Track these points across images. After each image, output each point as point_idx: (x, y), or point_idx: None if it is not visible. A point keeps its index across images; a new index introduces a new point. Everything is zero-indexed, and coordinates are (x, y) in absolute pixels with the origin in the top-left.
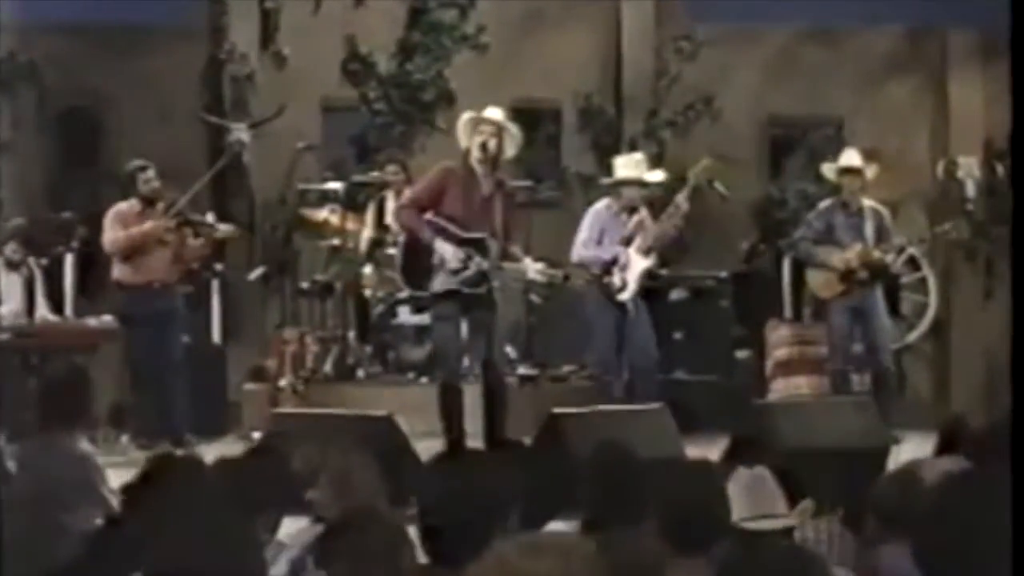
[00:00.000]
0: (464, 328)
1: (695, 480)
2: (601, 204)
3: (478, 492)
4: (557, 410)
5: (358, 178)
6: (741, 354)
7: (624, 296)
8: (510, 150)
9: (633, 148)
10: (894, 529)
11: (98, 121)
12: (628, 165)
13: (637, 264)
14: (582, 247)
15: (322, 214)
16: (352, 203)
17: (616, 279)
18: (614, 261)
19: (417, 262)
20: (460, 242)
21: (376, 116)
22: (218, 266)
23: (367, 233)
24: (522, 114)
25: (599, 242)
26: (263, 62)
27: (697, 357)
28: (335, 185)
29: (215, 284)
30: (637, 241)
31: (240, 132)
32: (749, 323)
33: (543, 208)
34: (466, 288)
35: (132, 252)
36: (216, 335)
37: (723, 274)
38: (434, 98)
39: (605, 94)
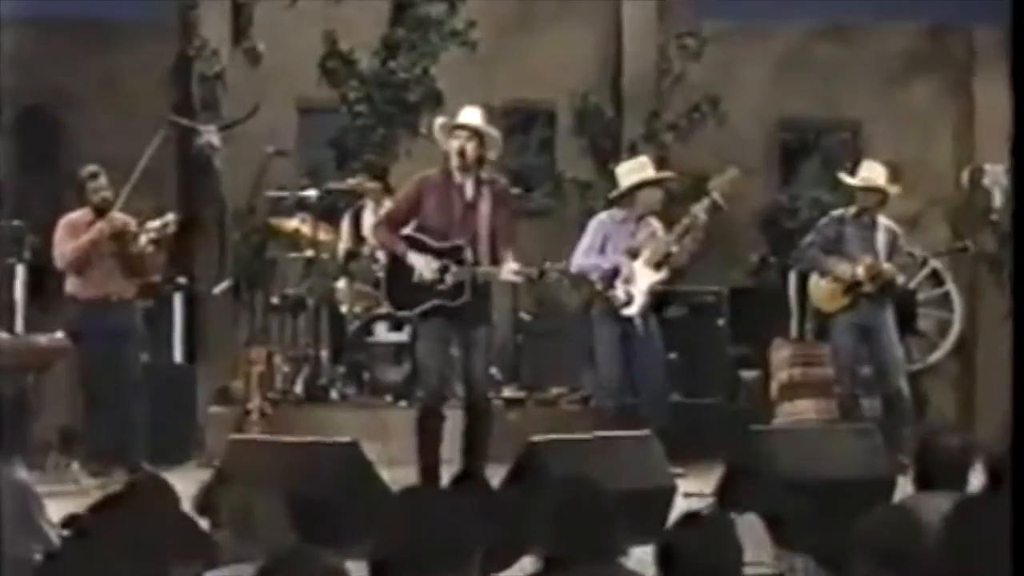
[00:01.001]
0: (454, 347)
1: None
2: (604, 214)
3: (439, 534)
4: (536, 438)
5: (332, 185)
6: (748, 375)
7: (630, 311)
8: (491, 153)
9: (633, 152)
10: (881, 571)
11: (58, 122)
12: (635, 169)
13: (645, 277)
14: (582, 255)
15: (292, 224)
16: (329, 212)
17: (620, 292)
18: (615, 272)
19: (401, 283)
20: (437, 253)
21: (357, 118)
22: (181, 279)
23: (343, 245)
24: (514, 115)
25: (601, 251)
26: (235, 59)
27: (695, 378)
28: (309, 193)
29: (177, 298)
30: (645, 253)
31: (210, 134)
32: (753, 342)
33: (535, 217)
34: (448, 302)
35: (83, 264)
36: (178, 353)
37: (723, 289)
38: (420, 99)
39: (603, 94)
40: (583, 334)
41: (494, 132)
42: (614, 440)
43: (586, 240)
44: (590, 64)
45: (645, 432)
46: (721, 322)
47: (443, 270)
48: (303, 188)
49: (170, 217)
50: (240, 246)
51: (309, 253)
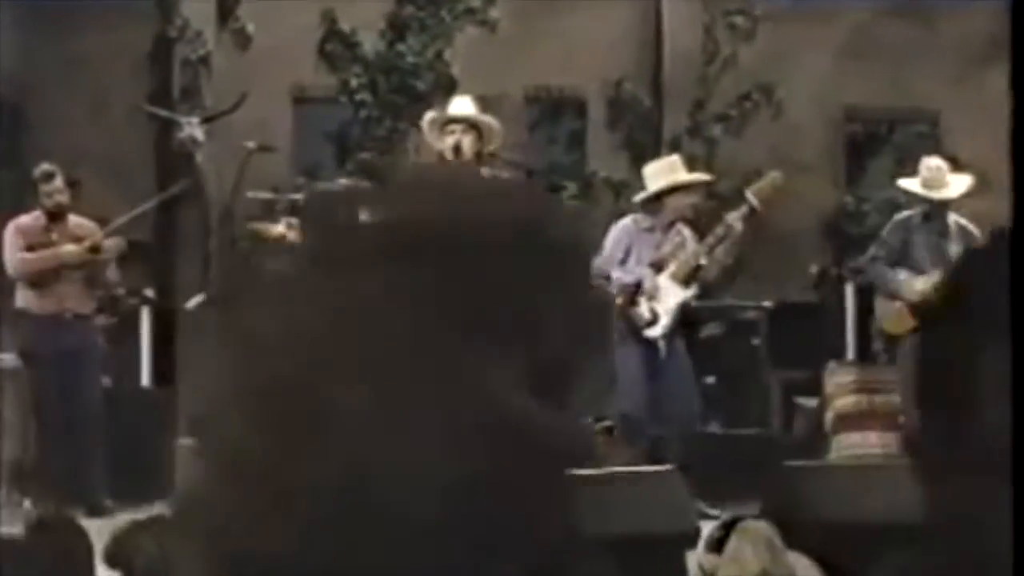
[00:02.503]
0: None
1: None
2: (628, 219)
3: None
4: None
5: (322, 186)
6: (806, 402)
7: (655, 332)
8: (491, 144)
9: (675, 148)
10: None
11: (21, 114)
12: (663, 171)
13: (672, 293)
14: (601, 268)
15: (277, 229)
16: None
17: (644, 310)
18: (638, 287)
19: None
20: None
21: (359, 109)
22: (148, 291)
23: None
24: (539, 106)
25: (623, 263)
26: (221, 42)
27: (736, 406)
28: (296, 195)
29: (145, 314)
30: (672, 266)
31: (192, 127)
32: (807, 365)
33: None
34: None
35: (41, 278)
36: (145, 377)
37: (766, 304)
38: (431, 87)
39: (641, 81)
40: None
41: (492, 122)
42: (628, 476)
43: (606, 250)
44: (625, 46)
45: (666, 467)
46: (756, 341)
47: None
48: (297, 189)
49: (118, 241)
50: (226, 254)
51: None
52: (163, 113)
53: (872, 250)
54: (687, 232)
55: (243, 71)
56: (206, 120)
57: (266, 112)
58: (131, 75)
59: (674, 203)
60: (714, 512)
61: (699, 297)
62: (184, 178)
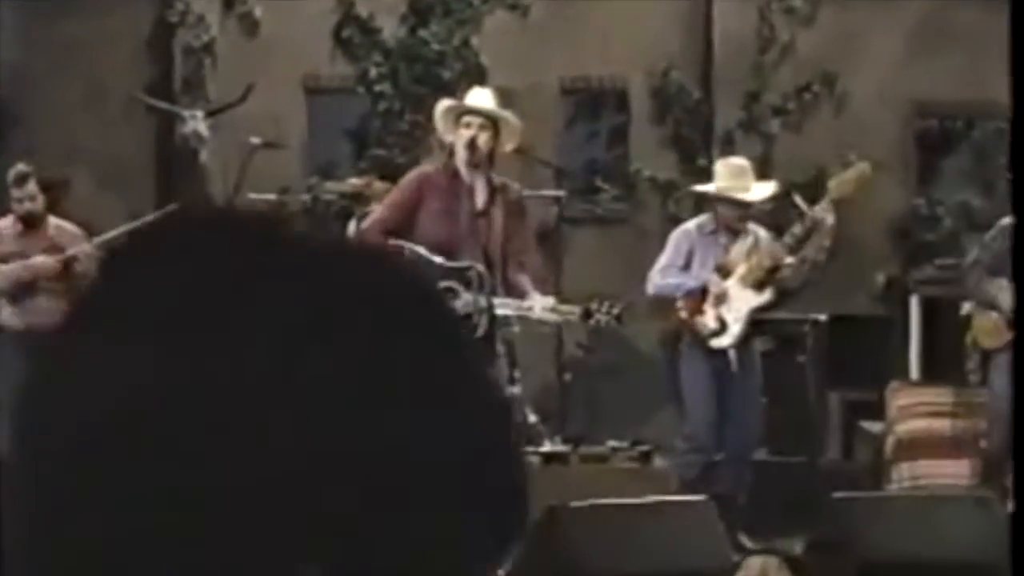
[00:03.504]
0: None
1: None
2: (690, 223)
3: None
4: (557, 503)
5: (330, 187)
6: (871, 426)
7: (723, 342)
8: (508, 143)
9: (728, 144)
10: None
11: (10, 105)
12: (727, 174)
13: (742, 299)
14: (658, 274)
15: None
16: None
17: (710, 318)
18: (704, 293)
19: None
20: (438, 274)
21: (379, 101)
22: None
23: None
24: (577, 98)
25: (687, 268)
26: (227, 28)
27: (785, 430)
28: (304, 197)
29: None
30: (741, 268)
31: (195, 122)
32: (867, 384)
33: (603, 226)
34: None
35: (16, 290)
36: None
37: (819, 317)
38: (458, 76)
39: (689, 70)
40: (652, 371)
41: (512, 118)
42: (657, 507)
43: (666, 256)
44: (672, 32)
45: (699, 498)
46: (802, 359)
47: (448, 295)
48: (310, 190)
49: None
50: None
51: None
52: (163, 106)
53: (973, 254)
54: (762, 232)
55: (251, 60)
56: (210, 114)
57: (276, 105)
58: (128, 64)
59: (723, 211)
60: (755, 546)
61: (768, 307)
62: (186, 178)
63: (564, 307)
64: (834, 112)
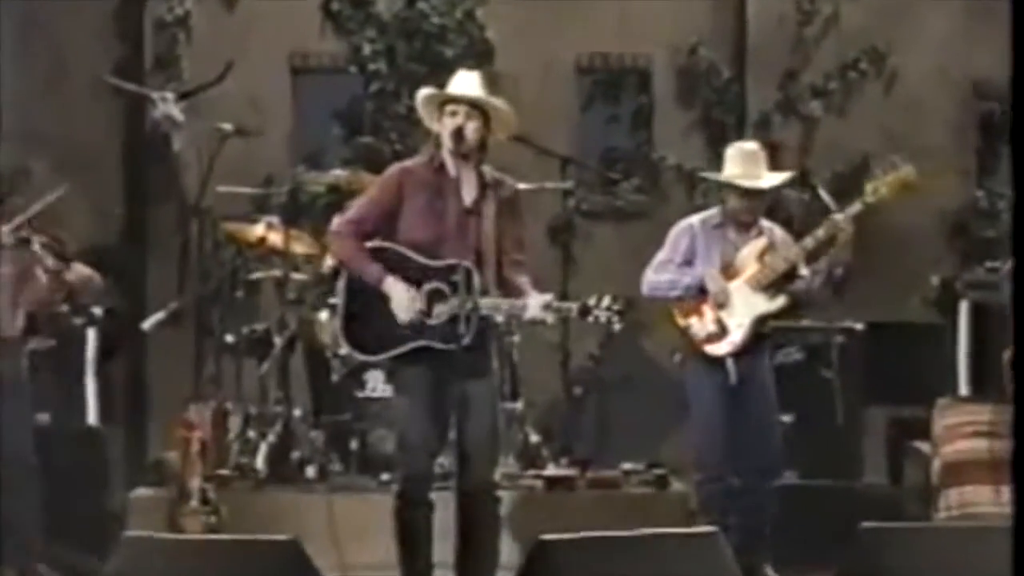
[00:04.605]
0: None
1: None
2: (694, 217)
3: None
4: (547, 536)
5: (307, 177)
6: (924, 447)
7: (719, 349)
8: (501, 132)
9: (763, 128)
10: None
11: None
12: (736, 160)
13: (748, 302)
14: (652, 271)
15: (256, 231)
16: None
17: (708, 321)
18: (702, 290)
19: (367, 312)
20: (422, 275)
21: (373, 81)
22: (96, 309)
23: (329, 261)
24: (594, 77)
25: (689, 264)
26: (203, 0)
27: (816, 450)
28: (280, 190)
29: (91, 336)
30: (751, 268)
31: (167, 104)
32: (916, 400)
33: (624, 221)
34: (438, 343)
35: None
36: (92, 413)
37: (857, 325)
38: (461, 53)
39: (719, 46)
40: (671, 385)
41: (502, 105)
42: (660, 540)
43: (663, 252)
44: (700, 3)
45: (709, 529)
46: (829, 373)
47: (433, 299)
48: (295, 180)
49: (90, 274)
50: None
51: (277, 272)
52: (132, 87)
53: None
54: (778, 231)
55: (230, 35)
56: (184, 96)
57: (259, 86)
58: (92, 40)
59: (732, 204)
60: None
61: (778, 315)
62: (158, 167)
63: (560, 304)
64: (883, 93)
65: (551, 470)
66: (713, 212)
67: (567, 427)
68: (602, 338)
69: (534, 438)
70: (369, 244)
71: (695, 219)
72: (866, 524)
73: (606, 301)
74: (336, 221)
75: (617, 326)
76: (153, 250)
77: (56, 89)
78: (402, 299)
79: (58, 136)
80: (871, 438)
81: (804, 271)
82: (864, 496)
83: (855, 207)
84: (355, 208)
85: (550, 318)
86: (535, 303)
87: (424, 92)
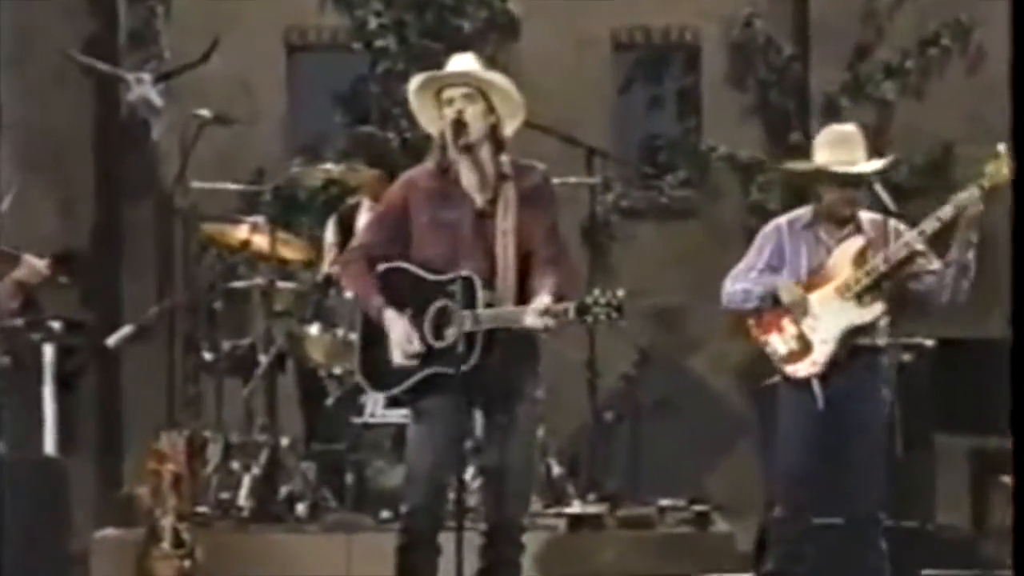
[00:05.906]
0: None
1: None
2: (784, 217)
3: None
4: None
5: (299, 173)
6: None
7: (802, 371)
8: (510, 117)
9: (829, 114)
10: None
11: None
12: (830, 144)
13: (836, 313)
14: (730, 280)
15: (240, 233)
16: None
17: (790, 339)
18: (777, 301)
19: (384, 342)
20: (432, 295)
21: (380, 60)
22: (54, 323)
23: (324, 268)
24: (632, 55)
25: (774, 271)
26: None
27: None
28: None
29: (48, 353)
30: (845, 272)
31: (144, 87)
32: (997, 428)
33: (669, 219)
34: (452, 368)
35: None
36: (49, 442)
37: (927, 342)
38: (481, 28)
39: (778, 19)
40: (717, 409)
41: (505, 83)
42: None
43: (747, 257)
44: None
45: None
46: (886, 391)
47: (441, 319)
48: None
49: (44, 264)
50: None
51: (261, 280)
52: (104, 67)
53: None
54: (890, 222)
55: (216, 8)
56: (164, 77)
57: (249, 66)
58: (60, 14)
59: (832, 197)
60: None
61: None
62: (133, 157)
63: (556, 307)
64: (967, 72)
65: (576, 507)
66: (804, 211)
67: (595, 458)
68: (637, 356)
69: (557, 470)
70: (382, 267)
71: (783, 219)
72: (928, 572)
73: (606, 296)
74: (343, 253)
75: (623, 323)
76: (128, 254)
77: (18, 70)
78: (399, 339)
79: (21, 121)
80: (946, 472)
81: (935, 264)
82: (934, 539)
83: (973, 189)
84: (362, 231)
85: (549, 324)
86: (531, 309)
87: (415, 81)
